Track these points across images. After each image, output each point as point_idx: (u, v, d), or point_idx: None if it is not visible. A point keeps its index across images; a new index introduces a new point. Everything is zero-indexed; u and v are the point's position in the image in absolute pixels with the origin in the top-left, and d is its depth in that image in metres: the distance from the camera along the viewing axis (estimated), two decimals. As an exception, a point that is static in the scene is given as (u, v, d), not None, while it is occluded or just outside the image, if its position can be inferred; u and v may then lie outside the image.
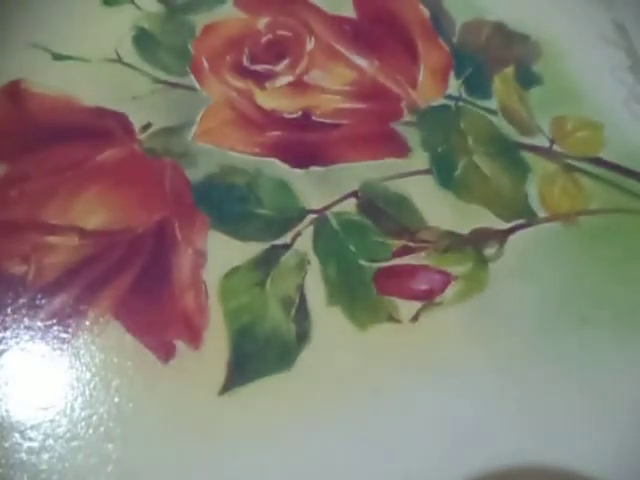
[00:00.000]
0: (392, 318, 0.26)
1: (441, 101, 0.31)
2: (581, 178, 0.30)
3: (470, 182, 0.29)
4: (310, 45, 0.31)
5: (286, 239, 0.27)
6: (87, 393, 0.24)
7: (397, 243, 0.27)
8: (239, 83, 0.30)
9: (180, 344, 0.25)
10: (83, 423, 0.24)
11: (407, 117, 0.30)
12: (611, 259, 0.28)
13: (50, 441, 0.24)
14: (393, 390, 0.25)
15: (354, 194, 0.28)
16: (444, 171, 0.29)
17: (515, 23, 0.33)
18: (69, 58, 0.29)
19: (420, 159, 0.29)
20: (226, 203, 0.27)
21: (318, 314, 0.26)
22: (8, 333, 0.25)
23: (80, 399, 0.24)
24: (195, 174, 0.28)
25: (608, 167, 0.30)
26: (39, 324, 0.25)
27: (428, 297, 0.27)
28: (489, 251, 0.28)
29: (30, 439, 0.24)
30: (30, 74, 0.29)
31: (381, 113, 0.30)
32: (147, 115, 0.28)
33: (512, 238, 0.28)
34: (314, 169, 0.28)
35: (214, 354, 0.25)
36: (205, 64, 0.30)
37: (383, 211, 0.28)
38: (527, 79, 0.32)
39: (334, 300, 0.26)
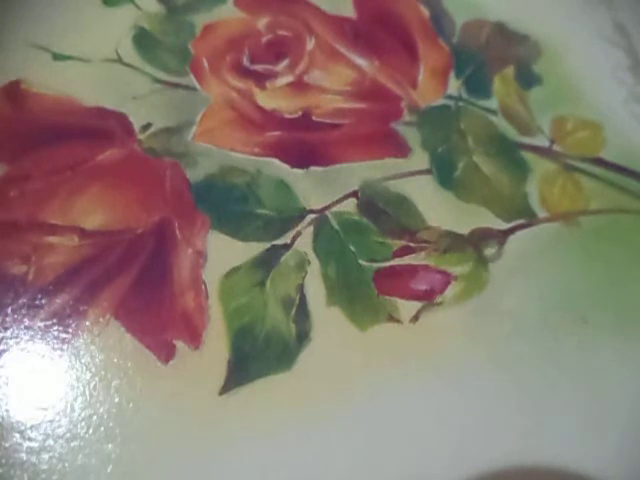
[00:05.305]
0: (392, 318, 0.26)
1: (441, 101, 0.31)
2: (581, 178, 0.30)
3: (470, 182, 0.29)
4: (310, 45, 0.31)
5: (286, 239, 0.27)
6: (87, 393, 0.24)
7: (397, 243, 0.27)
8: (239, 83, 0.30)
9: (180, 344, 0.25)
10: (83, 423, 0.24)
11: (407, 117, 0.30)
12: (611, 259, 0.28)
13: (50, 441, 0.24)
14: (393, 390, 0.25)
15: (354, 194, 0.28)
16: (444, 171, 0.29)
17: (515, 23, 0.33)
18: (69, 58, 0.29)
19: (420, 159, 0.29)
20: (226, 203, 0.27)
21: (318, 314, 0.26)
22: (8, 333, 0.25)
23: (80, 399, 0.24)
24: (195, 174, 0.28)
25: (608, 167, 0.30)
26: (39, 324, 0.25)
27: (428, 297, 0.27)
28: (489, 251, 0.28)
29: (30, 439, 0.24)
30: (30, 74, 0.29)
31: (381, 113, 0.30)
32: (147, 115, 0.28)
33: (512, 238, 0.28)
34: (314, 169, 0.28)
35: (214, 354, 0.25)
36: (205, 64, 0.30)
37: (383, 211, 0.28)
38: (527, 79, 0.32)
39: (334, 300, 0.26)
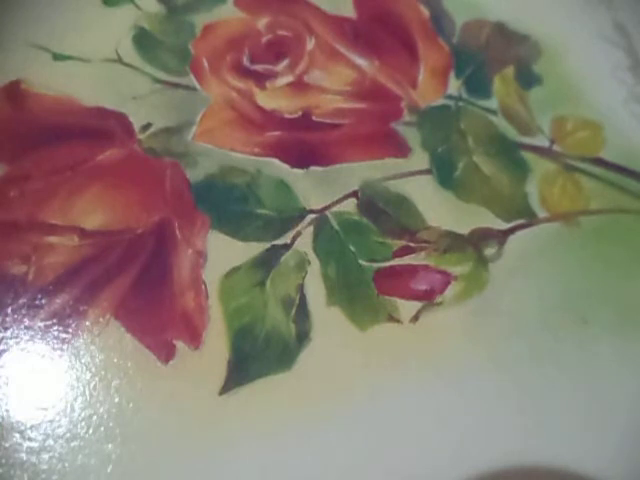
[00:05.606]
0: (392, 318, 0.26)
1: (441, 101, 0.31)
2: (581, 178, 0.30)
3: (470, 182, 0.29)
4: (310, 45, 0.31)
5: (286, 239, 0.27)
6: (87, 393, 0.24)
7: (397, 243, 0.27)
8: (239, 83, 0.30)
9: (180, 344, 0.25)
10: (83, 423, 0.24)
11: (407, 117, 0.30)
12: (611, 259, 0.28)
13: (50, 441, 0.24)
14: (393, 390, 0.25)
15: (354, 194, 0.28)
16: (444, 171, 0.29)
17: (515, 23, 0.33)
18: (69, 58, 0.29)
19: (420, 159, 0.29)
20: (226, 203, 0.27)
21: (318, 314, 0.26)
22: (8, 333, 0.25)
23: (80, 399, 0.24)
24: (195, 174, 0.28)
25: (608, 167, 0.30)
26: (39, 324, 0.25)
27: (428, 297, 0.27)
28: (489, 251, 0.28)
29: (30, 439, 0.24)
30: (30, 74, 0.29)
31: (381, 113, 0.30)
32: (147, 115, 0.28)
33: (512, 238, 0.28)
34: (314, 169, 0.28)
35: (214, 354, 0.25)
36: (205, 64, 0.30)
37: (383, 211, 0.28)
38: (527, 79, 0.32)
39: (334, 300, 0.26)
